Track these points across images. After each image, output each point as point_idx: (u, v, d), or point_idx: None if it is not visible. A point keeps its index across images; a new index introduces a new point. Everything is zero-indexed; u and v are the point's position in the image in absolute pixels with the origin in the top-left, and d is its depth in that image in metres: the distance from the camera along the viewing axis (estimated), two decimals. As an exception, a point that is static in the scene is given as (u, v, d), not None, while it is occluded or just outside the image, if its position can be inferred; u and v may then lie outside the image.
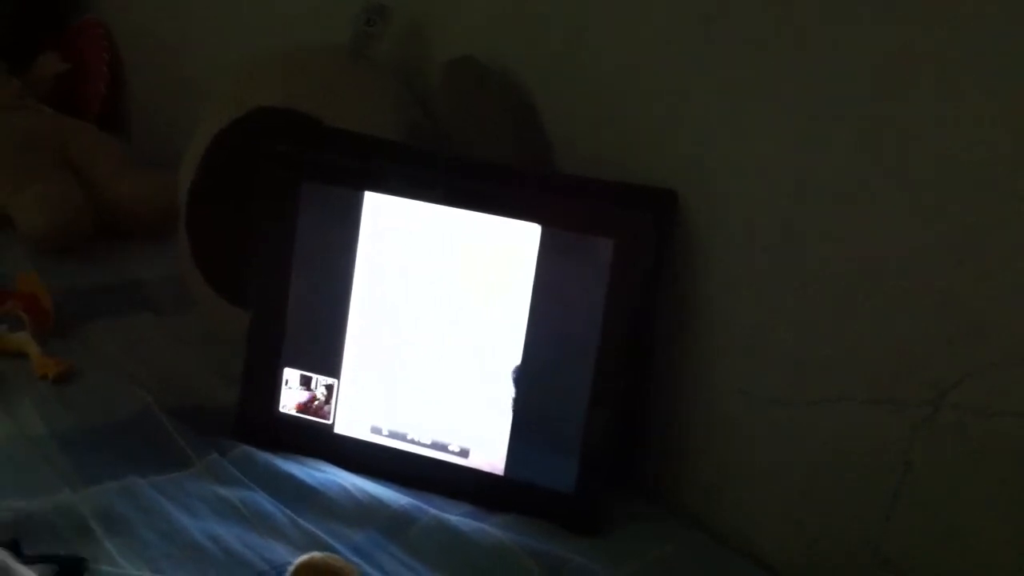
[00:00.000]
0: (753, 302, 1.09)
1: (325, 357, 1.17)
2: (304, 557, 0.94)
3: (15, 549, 0.94)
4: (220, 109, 1.39)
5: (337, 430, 1.18)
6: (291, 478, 1.11)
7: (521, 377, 1.11)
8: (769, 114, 1.05)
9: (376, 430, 1.16)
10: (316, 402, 1.18)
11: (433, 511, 1.08)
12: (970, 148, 0.90)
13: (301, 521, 1.05)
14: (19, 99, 1.93)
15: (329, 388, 1.17)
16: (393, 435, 1.16)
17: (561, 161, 1.26)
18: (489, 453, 1.13)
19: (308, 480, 1.11)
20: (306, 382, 1.18)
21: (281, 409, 1.19)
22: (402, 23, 1.43)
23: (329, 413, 1.18)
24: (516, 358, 1.11)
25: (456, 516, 1.08)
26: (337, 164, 1.17)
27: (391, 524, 1.06)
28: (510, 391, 1.11)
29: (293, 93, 1.33)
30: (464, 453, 1.14)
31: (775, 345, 1.07)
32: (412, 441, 1.15)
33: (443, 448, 1.14)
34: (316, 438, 1.17)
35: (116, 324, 1.44)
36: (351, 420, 1.17)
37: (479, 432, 1.13)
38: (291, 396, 1.18)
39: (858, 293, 1.00)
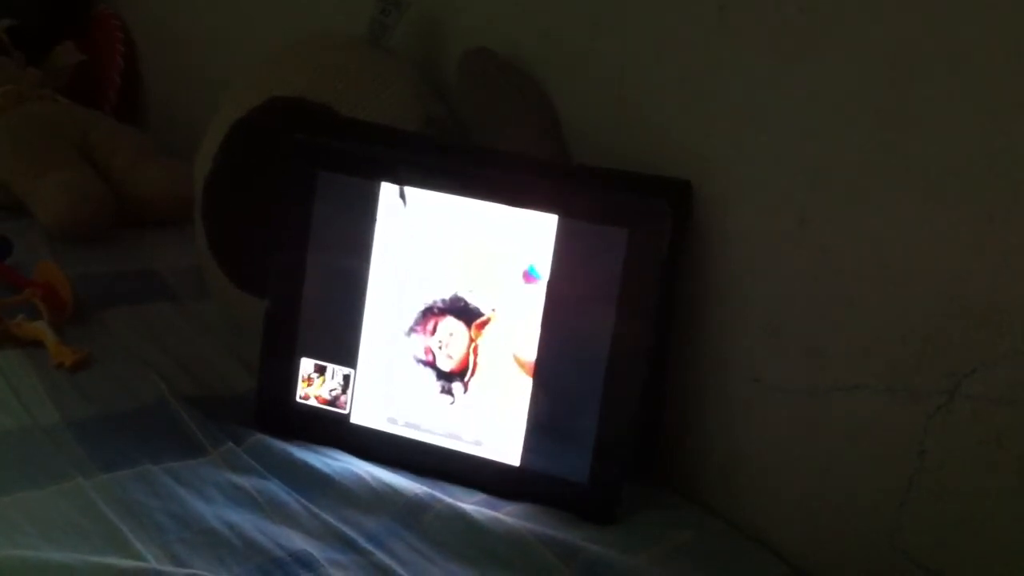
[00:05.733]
0: (767, 291, 1.09)
1: (342, 347, 1.18)
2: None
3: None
4: (237, 99, 1.39)
5: (353, 420, 1.18)
6: (306, 467, 1.12)
7: (537, 366, 1.11)
8: (784, 104, 1.04)
9: (392, 420, 1.17)
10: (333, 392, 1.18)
11: (448, 499, 1.08)
12: (985, 136, 0.90)
13: (316, 509, 1.05)
14: (37, 89, 1.93)
15: (346, 378, 1.18)
16: (409, 425, 1.16)
17: (576, 151, 1.26)
18: (504, 443, 1.13)
19: (323, 468, 1.12)
20: (322, 372, 1.18)
21: (298, 399, 1.19)
22: (419, 13, 1.43)
23: (346, 403, 1.18)
24: (532, 348, 1.11)
25: (470, 505, 1.08)
26: (354, 154, 1.17)
27: (406, 512, 1.06)
28: (525, 381, 1.12)
29: (310, 83, 1.33)
30: (478, 443, 1.14)
31: (790, 334, 1.07)
32: (427, 431, 1.16)
33: (457, 438, 1.15)
34: (332, 428, 1.18)
35: (134, 312, 1.45)
36: (367, 410, 1.18)
37: (494, 422, 1.13)
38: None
39: (873, 282, 1.00)
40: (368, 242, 1.16)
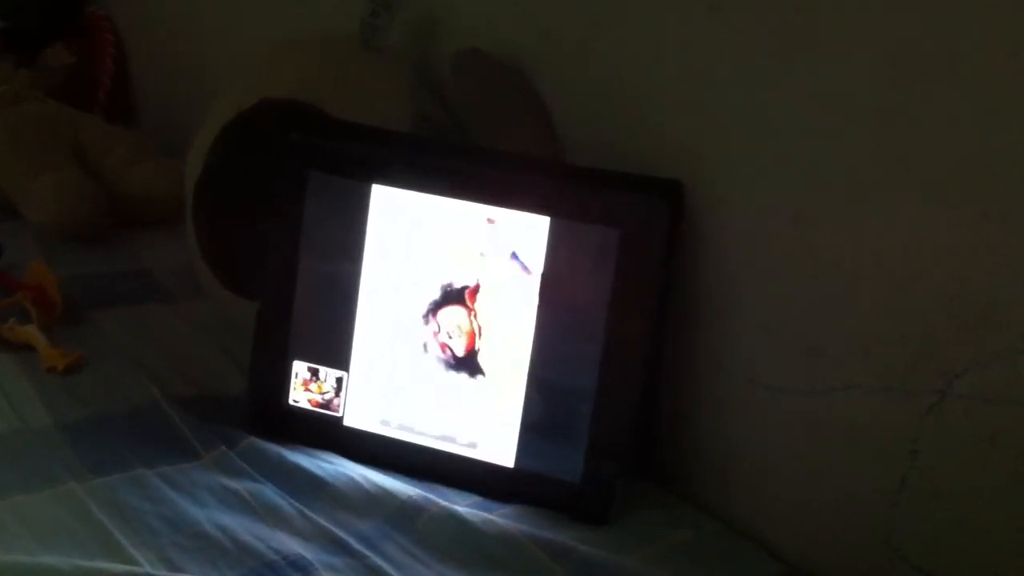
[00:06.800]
0: (763, 291, 1.09)
1: (334, 349, 1.17)
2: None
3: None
4: (228, 100, 1.39)
5: (347, 423, 1.18)
6: (299, 469, 1.12)
7: (531, 367, 1.11)
8: (781, 103, 1.04)
9: (385, 422, 1.17)
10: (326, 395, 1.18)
11: (441, 502, 1.08)
12: (982, 137, 0.90)
13: (309, 512, 1.05)
14: (27, 91, 1.93)
15: (339, 380, 1.18)
16: (402, 427, 1.16)
17: (572, 150, 1.26)
18: (497, 445, 1.13)
19: (316, 471, 1.11)
20: (315, 374, 1.18)
21: (290, 402, 1.19)
22: (412, 13, 1.43)
23: (339, 406, 1.18)
24: (525, 349, 1.11)
25: (464, 507, 1.08)
26: (345, 155, 1.17)
27: (399, 514, 1.06)
28: (519, 383, 1.11)
29: (302, 83, 1.33)
30: (472, 445, 1.14)
31: (785, 334, 1.07)
32: (421, 433, 1.15)
33: (452, 440, 1.15)
34: (325, 430, 1.18)
35: (127, 313, 1.44)
36: (361, 412, 1.17)
37: (488, 424, 1.13)
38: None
39: (868, 281, 1.00)
40: (360, 244, 1.15)
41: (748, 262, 1.10)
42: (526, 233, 1.10)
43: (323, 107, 1.29)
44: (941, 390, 0.95)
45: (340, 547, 1.01)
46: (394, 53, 1.41)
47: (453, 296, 1.14)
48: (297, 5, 1.72)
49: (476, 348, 1.13)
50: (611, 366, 1.08)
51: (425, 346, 1.15)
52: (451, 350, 1.14)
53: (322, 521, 1.04)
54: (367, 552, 1.01)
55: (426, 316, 1.15)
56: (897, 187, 0.96)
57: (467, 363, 1.14)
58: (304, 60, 1.39)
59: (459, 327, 1.14)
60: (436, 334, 1.14)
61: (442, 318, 1.14)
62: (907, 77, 0.94)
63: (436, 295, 1.14)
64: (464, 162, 1.18)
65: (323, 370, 1.18)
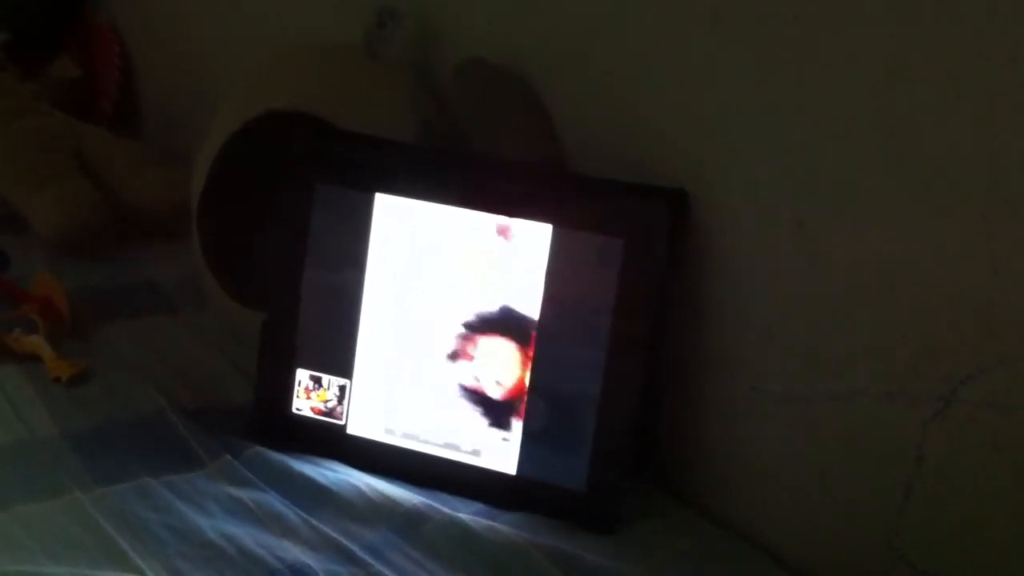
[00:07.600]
0: (764, 299, 1.09)
1: (338, 358, 1.18)
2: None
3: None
4: (232, 111, 1.39)
5: (350, 431, 1.18)
6: (304, 478, 1.12)
7: (534, 374, 1.11)
8: (781, 107, 1.04)
9: (389, 431, 1.17)
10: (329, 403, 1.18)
11: (446, 510, 1.08)
12: (982, 140, 0.90)
13: (314, 520, 1.05)
14: (32, 102, 1.93)
15: (342, 389, 1.18)
16: (406, 435, 1.16)
17: (571, 160, 1.26)
18: (501, 453, 1.13)
19: (321, 480, 1.12)
20: (318, 383, 1.18)
21: (294, 410, 1.19)
22: (416, 20, 1.43)
23: (342, 414, 1.18)
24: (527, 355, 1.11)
25: (468, 515, 1.08)
26: (348, 165, 1.18)
27: (404, 523, 1.06)
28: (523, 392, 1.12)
29: (306, 94, 1.33)
30: (476, 453, 1.14)
31: (787, 341, 1.07)
32: (425, 441, 1.16)
33: (455, 448, 1.15)
34: (329, 439, 1.18)
35: (132, 323, 1.44)
36: (364, 421, 1.18)
37: (491, 432, 1.13)
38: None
39: (870, 288, 1.00)
40: (363, 253, 1.16)
41: (749, 266, 1.10)
42: (530, 241, 1.10)
43: (326, 116, 1.30)
44: (945, 396, 0.94)
45: (345, 556, 1.01)
46: (394, 59, 1.41)
47: (507, 328, 1.11)
48: (300, 14, 1.73)
49: (520, 400, 1.11)
50: (615, 372, 1.08)
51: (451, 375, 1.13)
52: (484, 392, 1.12)
53: (327, 530, 1.04)
54: (372, 561, 1.01)
55: (460, 342, 1.12)
56: (897, 190, 0.96)
57: (500, 414, 1.12)
58: (306, 69, 1.40)
59: (502, 368, 1.11)
60: (470, 359, 1.12)
61: (481, 348, 1.12)
62: (907, 78, 0.94)
63: (469, 318, 1.12)
64: (468, 171, 1.19)
65: (326, 378, 1.18)
